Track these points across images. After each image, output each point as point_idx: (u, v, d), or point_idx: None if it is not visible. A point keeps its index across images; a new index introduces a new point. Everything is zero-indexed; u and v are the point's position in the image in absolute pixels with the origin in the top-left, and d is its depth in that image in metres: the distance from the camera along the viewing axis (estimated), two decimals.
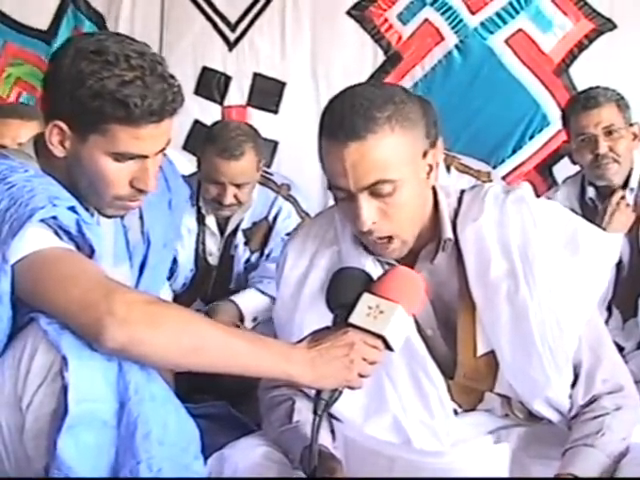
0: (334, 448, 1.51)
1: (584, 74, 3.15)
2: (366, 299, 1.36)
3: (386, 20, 3.39)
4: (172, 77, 1.44)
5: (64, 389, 1.24)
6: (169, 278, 2.62)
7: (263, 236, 2.75)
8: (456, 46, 3.33)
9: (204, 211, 2.72)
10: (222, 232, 2.77)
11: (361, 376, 1.35)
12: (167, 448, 1.28)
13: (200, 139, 2.79)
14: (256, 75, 3.52)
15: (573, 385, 1.49)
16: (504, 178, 3.23)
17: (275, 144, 3.49)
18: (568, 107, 2.61)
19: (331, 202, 2.84)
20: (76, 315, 1.27)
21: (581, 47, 3.22)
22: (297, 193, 2.83)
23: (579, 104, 2.52)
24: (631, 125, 2.54)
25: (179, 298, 2.66)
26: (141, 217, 1.65)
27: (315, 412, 1.34)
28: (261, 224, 2.75)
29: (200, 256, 2.78)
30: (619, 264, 2.40)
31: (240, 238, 2.74)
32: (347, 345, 1.33)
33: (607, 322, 2.38)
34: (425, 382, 1.52)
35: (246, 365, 1.33)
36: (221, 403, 2.21)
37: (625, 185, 2.53)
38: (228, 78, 3.54)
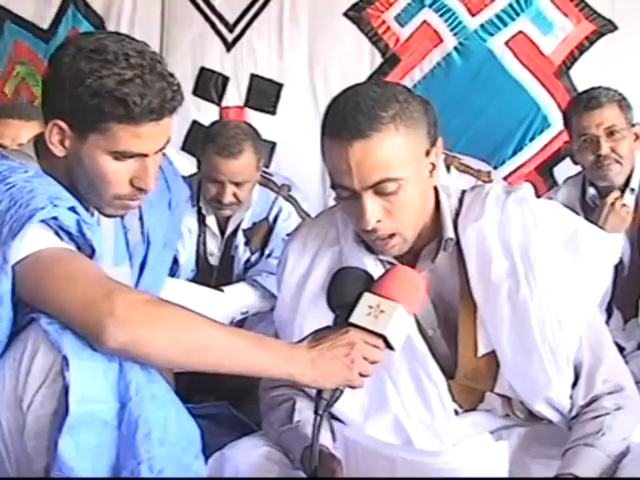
0: (334, 448, 1.51)
1: (585, 76, 3.16)
2: (367, 298, 1.36)
3: (384, 22, 3.39)
4: (171, 75, 1.44)
5: (65, 389, 1.24)
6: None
7: (263, 236, 2.75)
8: (455, 48, 3.33)
9: (205, 211, 2.72)
10: (222, 232, 2.77)
11: (362, 375, 1.35)
12: (168, 448, 1.27)
13: (198, 140, 2.80)
14: (253, 76, 3.52)
15: (574, 385, 1.49)
16: (505, 179, 3.23)
17: (273, 145, 3.49)
18: (570, 107, 2.60)
19: (330, 202, 2.86)
20: (77, 315, 1.27)
21: (582, 49, 3.22)
22: (297, 194, 2.83)
23: (581, 104, 2.52)
24: (633, 126, 2.53)
25: None
26: (141, 217, 1.65)
27: (316, 412, 1.34)
28: (261, 224, 2.76)
29: (201, 256, 2.78)
30: (619, 264, 2.40)
31: (240, 238, 2.75)
32: (348, 344, 1.33)
33: (608, 322, 2.37)
34: (426, 382, 1.52)
35: (247, 365, 1.32)
36: (222, 403, 2.21)
37: (625, 185, 2.52)
38: (226, 79, 3.55)
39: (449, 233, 1.50)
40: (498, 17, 3.29)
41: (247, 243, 2.75)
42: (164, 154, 1.71)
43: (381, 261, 1.53)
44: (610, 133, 2.48)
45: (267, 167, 3.40)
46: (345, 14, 3.42)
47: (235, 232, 2.75)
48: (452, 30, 3.33)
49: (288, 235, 2.60)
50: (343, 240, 1.57)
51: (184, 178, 2.07)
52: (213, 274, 2.78)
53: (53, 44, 3.60)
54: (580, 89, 3.02)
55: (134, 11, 3.61)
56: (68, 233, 1.38)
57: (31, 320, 1.31)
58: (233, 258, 2.76)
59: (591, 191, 2.58)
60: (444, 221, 1.51)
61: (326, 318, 1.40)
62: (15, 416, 1.29)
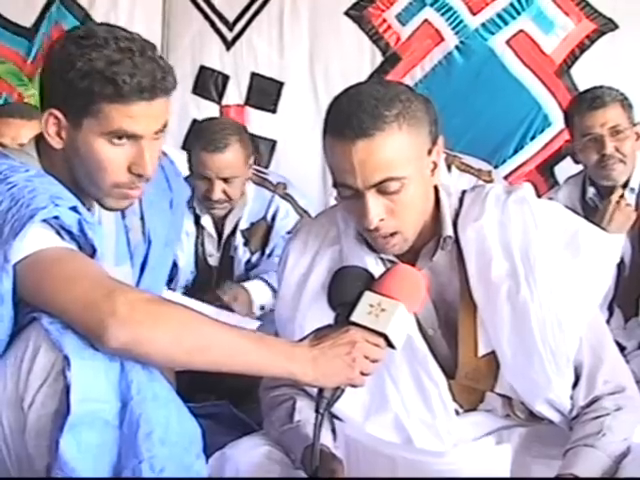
0: (335, 448, 1.51)
1: (586, 75, 3.15)
2: (368, 297, 1.36)
3: (384, 20, 3.39)
4: (162, 59, 1.44)
5: (66, 389, 1.24)
6: (169, 282, 2.61)
7: (262, 236, 2.75)
8: (457, 47, 3.33)
9: (199, 211, 2.72)
10: (220, 234, 2.77)
11: (363, 374, 1.35)
12: (169, 447, 1.27)
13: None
14: (254, 74, 3.52)
15: (574, 386, 1.49)
16: (505, 178, 3.23)
17: (273, 143, 3.49)
18: (572, 107, 2.60)
19: (331, 201, 2.85)
20: (78, 315, 1.27)
21: (583, 48, 3.22)
22: (294, 191, 2.83)
23: (584, 104, 2.51)
24: (634, 125, 2.53)
25: None
26: (142, 217, 1.65)
27: (317, 410, 1.34)
28: (259, 224, 2.75)
29: (200, 258, 2.78)
30: (620, 263, 2.39)
31: (239, 239, 2.75)
32: (349, 343, 1.33)
33: (608, 321, 2.38)
34: (426, 381, 1.51)
35: (248, 363, 1.32)
36: (223, 402, 2.21)
37: (625, 185, 2.52)
38: (226, 77, 3.55)
39: (448, 231, 1.50)
40: (499, 16, 3.29)
41: (246, 244, 2.75)
42: (165, 153, 1.72)
43: (382, 259, 1.53)
44: (614, 132, 2.48)
45: (267, 166, 3.40)
46: (346, 13, 3.41)
47: (233, 233, 2.75)
48: (453, 29, 3.33)
49: (288, 233, 2.63)
50: (344, 239, 1.57)
51: (184, 178, 2.07)
52: (213, 275, 2.78)
53: (37, 41, 3.61)
54: (581, 88, 3.02)
55: (133, 9, 3.60)
56: (69, 233, 1.38)
57: (32, 319, 1.31)
58: (233, 259, 2.76)
59: (591, 191, 2.58)
60: (443, 219, 1.51)
61: (327, 317, 1.40)
62: (16, 415, 1.29)
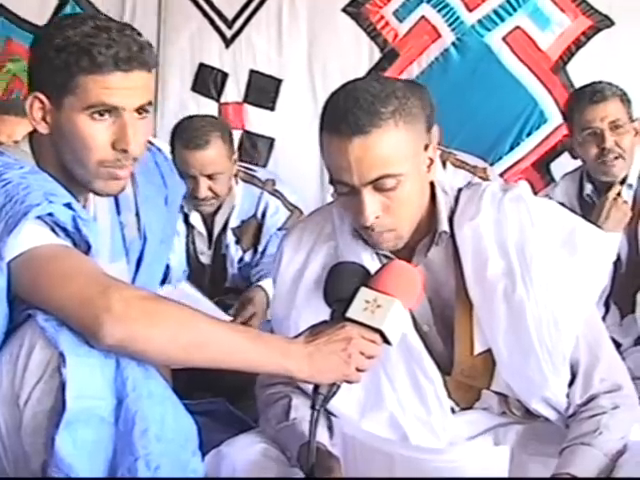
0: (332, 445, 1.51)
1: (582, 71, 3.16)
2: (363, 293, 1.36)
3: (382, 17, 3.39)
4: (140, 36, 1.45)
5: (62, 386, 1.24)
6: (162, 282, 2.61)
7: (254, 234, 2.75)
8: (453, 43, 3.33)
9: (187, 210, 2.71)
10: (210, 231, 2.77)
11: (359, 370, 1.35)
12: (165, 444, 1.27)
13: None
14: (252, 72, 3.52)
15: (571, 384, 1.49)
16: (502, 175, 3.24)
17: (272, 141, 3.49)
18: (572, 101, 2.59)
19: (328, 198, 2.85)
20: (73, 312, 1.27)
21: (578, 44, 3.23)
22: (283, 187, 2.82)
23: (585, 98, 2.51)
24: (632, 121, 2.53)
25: None
26: (137, 213, 1.64)
27: (313, 407, 1.34)
28: (250, 222, 2.75)
29: (192, 256, 2.78)
30: (617, 260, 2.40)
31: (230, 237, 2.74)
32: (345, 339, 1.33)
33: (605, 318, 2.37)
34: (422, 378, 1.51)
35: (245, 360, 1.32)
36: (219, 400, 2.22)
37: (623, 181, 2.52)
38: (225, 75, 3.54)
39: (443, 226, 1.50)
40: (495, 12, 3.29)
41: (238, 242, 2.75)
42: (159, 150, 1.72)
43: (378, 255, 1.53)
44: (614, 127, 2.47)
45: (265, 164, 3.40)
46: (344, 10, 3.41)
47: (224, 230, 2.75)
48: (450, 25, 3.33)
49: (279, 229, 2.62)
50: (339, 235, 1.56)
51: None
52: (206, 273, 2.78)
53: None
54: (577, 84, 3.02)
55: (134, 7, 3.60)
56: (64, 229, 1.38)
57: (28, 317, 1.31)
58: (225, 257, 2.76)
59: (588, 187, 2.58)
60: (439, 215, 1.51)
61: (322, 313, 1.40)
62: (12, 413, 1.29)
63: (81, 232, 1.39)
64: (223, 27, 3.55)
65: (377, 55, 3.40)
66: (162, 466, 1.27)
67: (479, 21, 3.31)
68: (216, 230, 2.76)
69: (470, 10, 3.32)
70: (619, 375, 1.52)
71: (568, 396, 1.49)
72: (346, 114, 1.39)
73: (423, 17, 3.35)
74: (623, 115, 2.49)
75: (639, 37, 3.16)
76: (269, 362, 1.33)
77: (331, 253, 1.56)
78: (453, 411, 1.55)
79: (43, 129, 1.45)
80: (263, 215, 2.75)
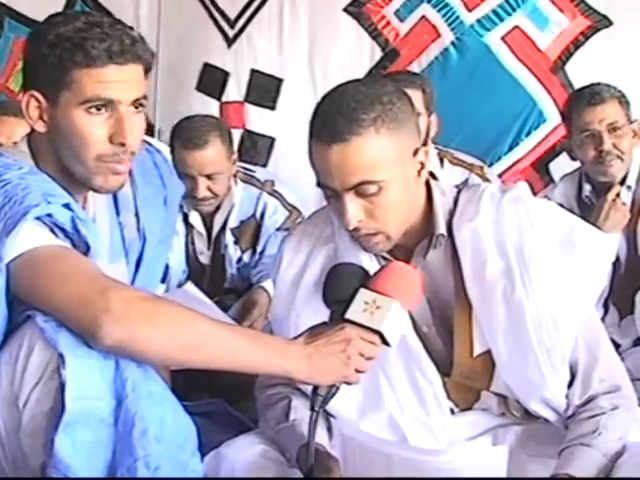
0: (331, 446, 1.51)
1: (580, 71, 3.16)
2: (363, 295, 1.36)
3: (383, 17, 3.39)
4: (133, 30, 1.45)
5: (61, 387, 1.24)
6: (161, 282, 2.61)
7: (252, 234, 2.75)
8: (452, 43, 3.33)
9: (186, 209, 2.72)
10: (209, 231, 2.77)
11: (358, 372, 1.35)
12: (164, 445, 1.27)
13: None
14: (254, 71, 3.51)
15: (570, 385, 1.49)
16: (501, 175, 3.24)
17: (272, 140, 3.48)
18: (570, 103, 2.59)
19: None
20: (72, 313, 1.27)
21: (577, 44, 3.22)
22: (282, 188, 2.83)
23: (583, 100, 2.51)
24: (631, 122, 2.53)
25: None
26: (137, 214, 1.64)
27: (312, 408, 1.34)
28: (249, 222, 2.76)
29: (191, 256, 2.78)
30: (616, 261, 2.39)
31: (229, 238, 2.75)
32: (344, 341, 1.33)
33: (604, 319, 2.37)
34: (421, 379, 1.52)
35: (244, 361, 1.32)
36: (218, 401, 2.21)
37: (622, 182, 2.52)
38: (226, 74, 3.54)
39: (440, 229, 1.50)
40: (494, 12, 3.29)
41: (236, 242, 2.75)
42: (159, 151, 1.72)
43: (377, 257, 1.53)
44: (612, 129, 2.47)
45: (266, 163, 3.40)
46: (345, 9, 3.41)
47: (223, 230, 2.75)
48: (449, 25, 3.33)
49: (278, 230, 2.63)
50: (338, 237, 1.56)
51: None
52: (205, 273, 2.78)
53: None
54: (576, 84, 3.02)
55: (137, 6, 3.60)
56: (63, 230, 1.38)
57: (27, 318, 1.31)
58: (224, 257, 2.76)
59: (587, 188, 2.58)
60: (436, 218, 1.50)
61: (322, 314, 1.40)
62: (11, 414, 1.29)
63: (80, 233, 1.39)
64: (225, 26, 3.55)
65: (378, 54, 3.39)
66: (161, 467, 1.27)
67: (478, 21, 3.30)
68: (215, 230, 2.76)
69: (469, 10, 3.31)
70: (618, 376, 1.52)
71: (567, 397, 1.49)
72: (327, 120, 1.40)
73: (423, 17, 3.35)
74: (621, 117, 2.49)
75: (638, 37, 3.15)
76: (268, 363, 1.33)
77: (330, 255, 1.56)
78: (452, 412, 1.55)
79: (40, 128, 1.45)
80: (262, 215, 2.75)
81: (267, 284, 2.58)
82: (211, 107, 3.50)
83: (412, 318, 1.51)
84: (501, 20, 3.28)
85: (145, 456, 1.25)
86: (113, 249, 1.60)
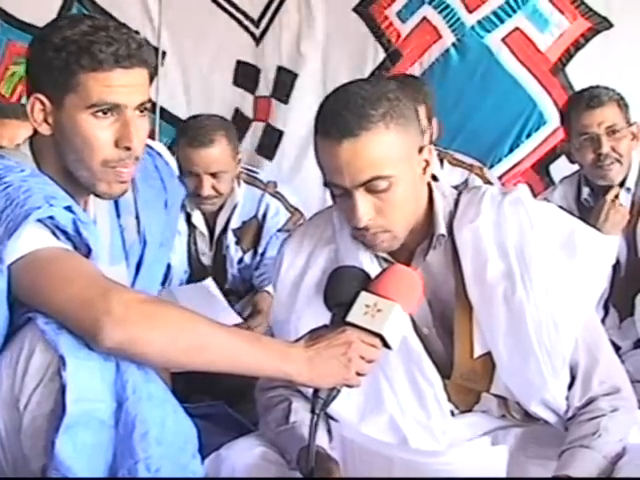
0: (331, 449, 1.51)
1: (581, 73, 3.16)
2: (364, 297, 1.36)
3: (386, 17, 3.40)
4: (138, 33, 1.46)
5: (62, 389, 1.24)
6: (163, 283, 2.62)
7: (254, 235, 2.76)
8: (453, 44, 3.33)
9: (189, 209, 2.72)
10: (212, 232, 2.78)
11: (359, 374, 1.35)
12: (165, 447, 1.28)
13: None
14: (280, 68, 3.54)
15: (570, 387, 1.49)
16: (501, 177, 3.24)
17: (280, 133, 3.51)
18: (569, 106, 2.59)
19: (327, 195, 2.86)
20: (73, 315, 1.27)
21: (578, 46, 3.22)
22: (284, 189, 2.84)
23: (582, 103, 2.51)
24: (630, 125, 2.53)
25: None
26: (137, 217, 1.65)
27: (313, 411, 1.34)
28: (251, 223, 2.76)
29: (193, 257, 2.79)
30: (616, 263, 2.39)
31: (231, 238, 2.75)
32: (345, 343, 1.33)
33: (604, 321, 2.37)
34: (421, 381, 1.52)
35: (244, 364, 1.33)
36: (218, 403, 2.21)
37: (621, 185, 2.52)
38: (258, 70, 3.58)
39: (440, 230, 1.50)
40: (495, 14, 3.29)
41: (238, 242, 2.76)
42: (160, 154, 1.72)
43: (377, 258, 1.53)
44: (611, 132, 2.47)
45: (272, 156, 3.41)
46: (354, 9, 3.43)
47: (225, 231, 2.76)
48: (450, 26, 3.33)
49: (279, 231, 2.63)
50: (339, 238, 1.57)
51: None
52: (207, 274, 2.78)
53: None
54: (576, 86, 3.03)
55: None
56: (64, 232, 1.38)
57: (28, 320, 1.31)
58: (225, 258, 2.77)
59: (586, 191, 2.59)
60: (436, 218, 1.51)
61: (323, 317, 1.40)
62: (12, 416, 1.29)
63: (81, 235, 1.39)
64: (251, 27, 3.57)
65: (381, 55, 3.40)
66: (162, 469, 1.27)
67: (479, 22, 3.30)
68: (217, 230, 2.77)
69: (470, 11, 3.32)
70: (618, 378, 1.52)
71: (567, 399, 1.49)
72: (336, 117, 1.40)
73: (425, 18, 3.35)
74: (620, 120, 2.49)
75: (638, 39, 3.16)
76: (269, 366, 1.33)
77: (332, 256, 1.56)
78: (452, 414, 1.56)
79: (45, 130, 1.45)
80: (264, 216, 2.76)
81: (271, 288, 2.59)
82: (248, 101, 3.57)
83: (412, 320, 1.51)
84: (501, 22, 3.28)
85: (146, 458, 1.25)
86: (113, 252, 1.60)
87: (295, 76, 3.50)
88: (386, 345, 1.36)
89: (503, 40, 3.29)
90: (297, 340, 1.38)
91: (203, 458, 1.40)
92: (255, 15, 3.56)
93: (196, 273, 2.79)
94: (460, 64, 3.33)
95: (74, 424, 1.23)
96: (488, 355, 1.50)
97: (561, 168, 2.97)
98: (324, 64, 3.47)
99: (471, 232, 1.50)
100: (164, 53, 3.59)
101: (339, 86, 1.47)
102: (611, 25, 3.17)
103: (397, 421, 1.51)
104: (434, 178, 1.55)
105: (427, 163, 1.49)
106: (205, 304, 2.49)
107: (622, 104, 2.52)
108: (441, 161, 2.86)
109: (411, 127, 1.45)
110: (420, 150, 1.47)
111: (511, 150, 3.29)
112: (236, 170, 2.70)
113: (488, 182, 2.82)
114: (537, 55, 3.27)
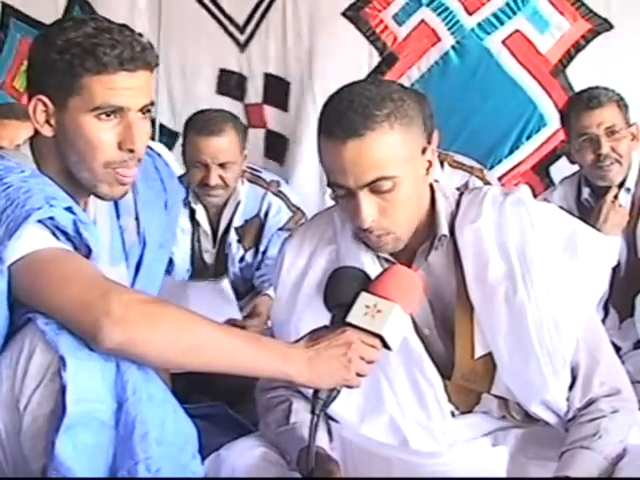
0: (331, 449, 1.51)
1: (581, 74, 3.17)
2: (364, 298, 1.36)
3: (381, 21, 3.40)
4: (141, 36, 1.45)
5: (62, 389, 1.24)
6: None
7: (256, 233, 2.77)
8: (453, 47, 3.34)
9: (193, 204, 2.73)
10: (215, 230, 2.79)
11: (359, 375, 1.35)
12: (165, 448, 1.28)
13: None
14: (267, 75, 3.54)
15: (570, 388, 1.49)
16: (501, 178, 3.25)
17: (286, 140, 3.52)
18: (569, 106, 2.60)
19: (327, 199, 2.87)
20: (73, 315, 1.27)
21: (578, 47, 3.23)
22: (287, 189, 2.86)
23: (581, 104, 2.51)
24: (630, 126, 2.54)
25: None
26: (137, 218, 1.65)
27: (313, 412, 1.34)
28: (253, 221, 2.77)
29: (196, 255, 2.80)
30: (616, 264, 2.40)
31: (233, 236, 2.76)
32: (345, 344, 1.33)
33: (604, 321, 2.37)
34: (422, 382, 1.52)
35: (244, 364, 1.33)
36: (218, 404, 2.21)
37: (621, 185, 2.53)
38: (243, 78, 3.57)
39: (442, 230, 1.50)
40: (495, 16, 3.30)
41: (240, 241, 2.77)
42: (160, 155, 1.72)
43: (378, 258, 1.53)
44: (610, 133, 2.47)
45: (282, 162, 3.42)
46: (343, 14, 3.42)
47: (228, 229, 2.76)
48: (449, 29, 3.33)
49: (280, 229, 2.64)
50: (340, 238, 1.57)
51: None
52: (209, 272, 2.79)
53: None
54: (576, 87, 3.03)
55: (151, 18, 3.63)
56: (64, 233, 1.38)
57: (28, 320, 1.31)
58: (227, 256, 2.78)
59: (586, 191, 2.59)
60: (438, 219, 1.51)
61: (323, 318, 1.40)
62: (12, 417, 1.29)
63: (82, 236, 1.39)
64: (236, 33, 3.57)
65: (376, 59, 3.40)
66: (162, 469, 1.27)
67: (479, 24, 3.31)
68: (221, 228, 2.78)
69: (470, 14, 3.32)
70: (618, 379, 1.52)
71: (568, 399, 1.49)
72: (340, 117, 1.40)
73: (423, 21, 3.35)
74: (620, 120, 2.50)
75: (638, 40, 3.16)
76: (269, 366, 1.33)
77: (333, 257, 1.56)
78: (453, 415, 1.55)
79: (47, 132, 1.45)
80: (266, 215, 2.78)
81: (271, 291, 2.60)
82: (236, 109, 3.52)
83: (413, 320, 1.51)
84: (501, 24, 3.29)
85: (146, 459, 1.25)
86: (113, 252, 1.60)
87: (288, 84, 3.50)
88: (386, 346, 1.36)
89: (503, 42, 3.29)
90: (297, 341, 1.38)
91: (203, 458, 1.40)
92: (241, 20, 3.55)
93: (197, 272, 2.80)
94: (460, 67, 3.33)
95: (74, 425, 1.23)
96: (489, 356, 1.50)
97: (561, 169, 2.97)
98: (313, 69, 3.46)
99: (472, 233, 1.50)
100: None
101: (342, 86, 1.47)
102: (611, 26, 3.18)
103: (397, 422, 1.51)
104: (434, 180, 1.56)
105: (430, 164, 1.49)
106: (218, 305, 2.50)
107: (622, 105, 2.52)
108: (441, 163, 2.86)
109: (414, 127, 1.45)
110: (423, 151, 1.47)
111: (511, 152, 3.30)
112: (242, 165, 2.71)
113: (489, 184, 2.82)
114: (537, 57, 3.27)
